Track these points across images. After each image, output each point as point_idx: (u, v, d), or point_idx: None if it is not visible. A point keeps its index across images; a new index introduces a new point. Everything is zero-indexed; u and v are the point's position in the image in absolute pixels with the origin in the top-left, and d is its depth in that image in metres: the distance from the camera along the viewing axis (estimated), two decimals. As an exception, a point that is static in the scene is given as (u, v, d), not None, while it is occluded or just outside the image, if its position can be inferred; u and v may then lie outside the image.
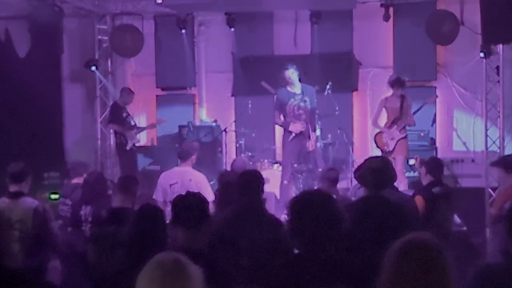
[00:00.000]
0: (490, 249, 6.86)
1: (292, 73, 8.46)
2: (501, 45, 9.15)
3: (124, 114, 9.92)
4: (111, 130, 10.35)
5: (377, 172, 4.37)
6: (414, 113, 9.16)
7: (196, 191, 6.52)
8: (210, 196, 6.06)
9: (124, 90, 10.15)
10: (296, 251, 3.32)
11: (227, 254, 3.89)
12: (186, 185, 6.79)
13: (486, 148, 9.45)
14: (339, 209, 3.16)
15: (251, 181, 4.55)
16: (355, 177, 4.58)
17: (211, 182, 9.46)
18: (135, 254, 3.68)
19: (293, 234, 3.12)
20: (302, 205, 3.13)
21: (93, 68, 10.50)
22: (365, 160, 4.63)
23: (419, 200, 5.87)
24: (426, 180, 6.30)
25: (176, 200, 3.61)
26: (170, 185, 6.91)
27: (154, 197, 7.01)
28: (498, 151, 9.34)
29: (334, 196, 5.81)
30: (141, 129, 10.31)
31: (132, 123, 10.00)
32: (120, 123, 9.87)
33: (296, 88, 8.55)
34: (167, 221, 3.79)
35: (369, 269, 3.19)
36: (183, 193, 6.62)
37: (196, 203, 3.51)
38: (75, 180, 7.77)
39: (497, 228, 5.25)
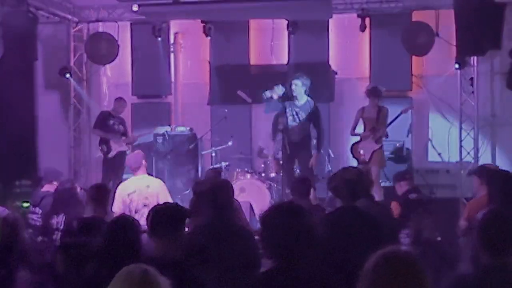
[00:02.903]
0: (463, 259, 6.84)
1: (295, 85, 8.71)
2: (475, 57, 9.23)
3: (111, 122, 9.82)
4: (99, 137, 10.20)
5: (351, 183, 4.35)
6: (390, 123, 9.18)
7: (154, 196, 6.58)
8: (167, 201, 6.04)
9: (116, 99, 10.11)
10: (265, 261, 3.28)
11: (198, 265, 3.83)
12: (144, 192, 6.77)
13: (461, 159, 9.51)
14: (311, 221, 3.11)
15: (220, 192, 4.50)
16: (329, 188, 4.55)
17: (187, 191, 9.44)
18: (106, 266, 3.61)
19: (265, 247, 3.08)
20: (273, 218, 3.09)
21: (67, 75, 10.39)
22: (339, 171, 4.60)
23: (394, 206, 5.91)
24: (403, 188, 6.35)
25: (153, 210, 3.55)
26: (128, 194, 6.82)
27: (112, 209, 6.74)
28: (472, 161, 9.41)
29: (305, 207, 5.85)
30: (133, 137, 10.19)
31: (121, 131, 9.88)
32: (105, 130, 9.76)
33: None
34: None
35: (345, 280, 3.17)
36: (142, 200, 6.68)
37: (172, 214, 3.46)
38: (45, 188, 7.66)
39: (468, 239, 5.26)
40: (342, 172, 4.57)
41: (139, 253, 3.67)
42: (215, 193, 4.49)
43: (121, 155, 9.78)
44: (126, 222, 3.79)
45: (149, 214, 3.52)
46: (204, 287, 3.31)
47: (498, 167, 6.69)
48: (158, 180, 7.00)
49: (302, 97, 8.80)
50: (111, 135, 9.74)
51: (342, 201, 4.38)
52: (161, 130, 10.16)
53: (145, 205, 6.67)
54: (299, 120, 8.77)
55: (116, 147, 9.74)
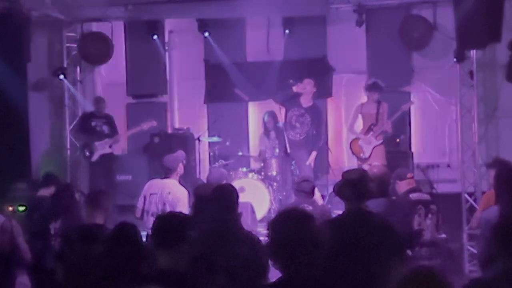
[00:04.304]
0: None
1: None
2: (474, 50, 9.12)
3: (93, 123, 9.64)
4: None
5: (355, 184, 4.24)
6: (391, 120, 9.10)
7: (171, 204, 6.41)
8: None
9: (94, 98, 9.90)
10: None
11: (204, 273, 3.72)
12: (163, 197, 6.57)
13: (462, 153, 9.41)
14: (318, 227, 3.00)
15: (224, 197, 4.37)
16: (334, 191, 4.43)
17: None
18: (108, 276, 3.51)
19: (274, 257, 2.96)
20: (280, 227, 2.97)
21: (61, 76, 10.23)
22: (342, 174, 4.50)
23: None
24: (403, 188, 6.25)
25: (156, 220, 3.43)
26: (150, 194, 6.68)
27: (137, 204, 6.75)
28: (473, 155, 9.32)
29: (310, 208, 5.75)
30: (115, 137, 9.95)
31: (105, 132, 9.71)
32: (86, 132, 9.59)
33: None
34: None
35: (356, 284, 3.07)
36: (160, 204, 6.50)
37: (176, 224, 3.33)
38: (41, 192, 7.54)
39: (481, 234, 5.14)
40: (345, 173, 4.47)
41: (142, 263, 3.57)
42: (218, 198, 4.36)
43: (106, 158, 9.60)
44: (128, 230, 3.68)
45: (154, 224, 3.39)
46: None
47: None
48: (183, 190, 6.66)
49: (310, 99, 8.81)
50: (93, 138, 9.54)
51: (347, 203, 4.26)
52: (147, 125, 9.75)
53: (162, 212, 6.48)
54: (303, 122, 8.78)
55: (99, 150, 9.58)
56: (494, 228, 3.10)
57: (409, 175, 6.45)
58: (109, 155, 9.71)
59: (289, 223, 2.94)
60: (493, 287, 2.99)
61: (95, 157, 9.56)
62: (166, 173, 6.76)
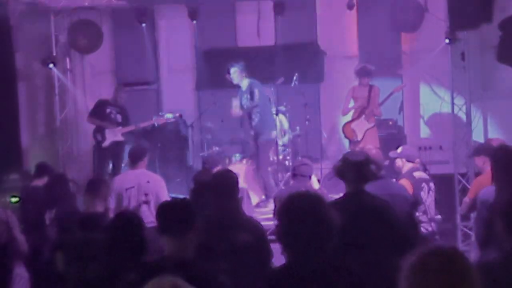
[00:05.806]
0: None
1: (233, 73, 8.49)
2: (466, 31, 9.11)
3: (108, 110, 9.58)
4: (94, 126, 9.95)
5: (357, 166, 4.21)
6: (381, 103, 9.11)
7: (154, 193, 6.36)
8: (166, 198, 5.89)
9: (116, 86, 9.90)
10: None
11: (207, 259, 3.71)
12: (143, 188, 6.46)
13: (454, 135, 9.43)
14: (331, 211, 2.96)
15: (225, 183, 4.34)
16: (335, 173, 4.41)
17: (178, 179, 9.30)
18: (111, 265, 3.49)
19: (284, 241, 2.92)
20: (291, 211, 2.92)
21: (51, 65, 10.12)
22: (344, 155, 4.47)
23: (406, 183, 5.81)
24: (406, 167, 6.27)
25: (162, 207, 3.40)
26: (126, 189, 6.52)
27: (108, 205, 6.36)
28: (465, 137, 9.34)
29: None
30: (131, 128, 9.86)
31: (119, 121, 9.64)
32: (100, 118, 9.54)
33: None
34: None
35: (362, 270, 3.06)
36: (140, 196, 6.43)
37: (183, 210, 3.30)
38: (35, 182, 7.50)
39: (478, 215, 5.15)
40: (348, 155, 4.43)
41: (145, 252, 3.55)
42: (218, 184, 4.33)
43: (116, 145, 9.56)
44: (130, 218, 3.65)
45: (160, 211, 3.35)
46: (220, 284, 3.17)
47: (503, 141, 6.53)
48: (158, 176, 6.68)
49: (243, 82, 8.65)
50: (106, 123, 9.51)
51: (348, 186, 4.24)
52: (160, 121, 9.78)
53: (145, 202, 6.39)
54: (247, 106, 8.66)
55: (111, 137, 9.53)
56: (501, 210, 3.08)
57: (417, 161, 6.46)
58: (119, 143, 9.64)
59: (299, 207, 2.90)
60: (502, 269, 2.97)
61: (106, 143, 9.52)
62: (134, 161, 6.68)
